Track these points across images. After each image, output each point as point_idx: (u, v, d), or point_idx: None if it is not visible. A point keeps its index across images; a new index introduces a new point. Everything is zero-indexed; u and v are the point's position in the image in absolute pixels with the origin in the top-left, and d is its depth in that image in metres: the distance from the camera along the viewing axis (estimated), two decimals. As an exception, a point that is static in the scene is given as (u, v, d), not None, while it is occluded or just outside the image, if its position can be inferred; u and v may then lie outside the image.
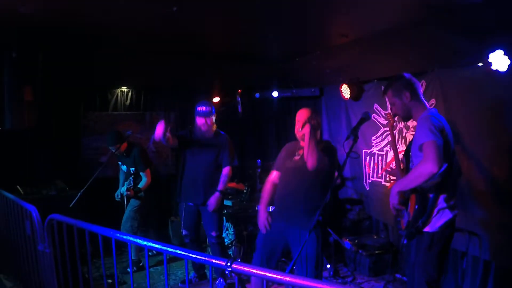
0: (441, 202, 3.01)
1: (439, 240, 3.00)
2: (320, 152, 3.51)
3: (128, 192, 5.32)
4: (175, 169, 5.13)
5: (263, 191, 4.00)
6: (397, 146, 4.23)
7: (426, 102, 3.20)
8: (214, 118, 4.83)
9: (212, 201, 4.72)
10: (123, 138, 5.31)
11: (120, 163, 5.67)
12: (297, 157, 3.77)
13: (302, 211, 3.57)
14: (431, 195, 3.02)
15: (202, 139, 4.84)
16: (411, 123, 5.09)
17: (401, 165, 3.56)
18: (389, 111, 3.76)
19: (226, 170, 4.86)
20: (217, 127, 4.94)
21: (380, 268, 5.26)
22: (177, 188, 4.96)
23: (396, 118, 4.01)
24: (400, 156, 3.63)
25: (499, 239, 4.01)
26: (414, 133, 4.99)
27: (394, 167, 3.85)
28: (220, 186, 4.80)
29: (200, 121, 4.77)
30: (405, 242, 3.18)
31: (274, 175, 3.96)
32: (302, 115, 3.73)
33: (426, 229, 3.02)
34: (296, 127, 3.75)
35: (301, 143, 3.78)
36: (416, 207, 3.03)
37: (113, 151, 5.31)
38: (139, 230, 5.48)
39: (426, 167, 2.78)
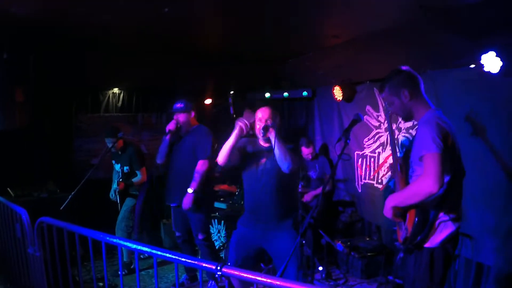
0: (443, 214, 2.70)
1: (440, 256, 2.70)
2: (292, 154, 3.48)
3: (118, 186, 5.30)
4: (165, 170, 5.15)
5: None
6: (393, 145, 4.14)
7: (428, 100, 2.86)
8: (188, 115, 4.70)
9: (184, 200, 4.48)
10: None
11: (114, 161, 5.62)
12: (263, 160, 3.64)
13: (279, 215, 3.57)
14: (432, 209, 2.71)
15: (179, 137, 4.80)
16: (404, 125, 5.09)
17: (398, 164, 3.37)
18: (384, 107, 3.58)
19: (198, 165, 4.55)
20: (199, 124, 4.81)
21: (373, 270, 5.25)
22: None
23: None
24: (390, 160, 3.55)
25: (491, 241, 4.02)
26: (406, 135, 5.05)
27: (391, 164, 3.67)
28: (192, 185, 4.49)
29: (175, 117, 4.72)
30: (401, 255, 2.98)
31: None
32: (264, 113, 3.63)
33: (426, 244, 2.71)
34: (258, 125, 3.62)
35: (261, 142, 3.71)
36: (416, 220, 2.68)
37: (110, 145, 5.25)
38: (133, 230, 5.45)
39: (425, 185, 2.50)
